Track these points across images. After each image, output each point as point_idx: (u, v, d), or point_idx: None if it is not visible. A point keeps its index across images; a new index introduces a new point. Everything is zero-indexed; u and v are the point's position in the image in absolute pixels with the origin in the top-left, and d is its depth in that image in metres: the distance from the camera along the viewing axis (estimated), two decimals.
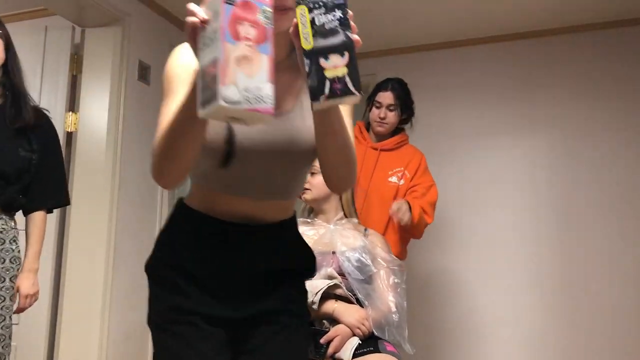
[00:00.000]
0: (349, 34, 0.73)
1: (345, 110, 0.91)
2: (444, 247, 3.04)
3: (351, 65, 0.72)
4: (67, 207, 2.33)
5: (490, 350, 2.90)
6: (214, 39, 0.66)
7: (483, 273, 2.96)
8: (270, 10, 0.68)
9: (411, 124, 2.39)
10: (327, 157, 0.92)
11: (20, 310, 1.78)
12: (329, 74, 0.72)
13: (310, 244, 1.11)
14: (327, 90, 0.72)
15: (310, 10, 0.74)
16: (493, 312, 2.91)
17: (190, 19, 0.69)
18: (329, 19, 0.73)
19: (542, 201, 2.91)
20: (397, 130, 2.34)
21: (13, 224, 1.79)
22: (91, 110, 2.51)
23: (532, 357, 2.82)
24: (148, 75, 2.70)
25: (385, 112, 2.25)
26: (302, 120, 0.93)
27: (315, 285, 1.56)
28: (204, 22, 0.68)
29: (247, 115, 0.65)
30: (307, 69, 0.73)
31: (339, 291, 1.62)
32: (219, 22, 0.65)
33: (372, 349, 1.54)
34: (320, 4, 0.74)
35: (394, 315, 1.60)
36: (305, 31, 0.74)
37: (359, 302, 1.62)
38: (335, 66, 0.72)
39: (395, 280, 1.67)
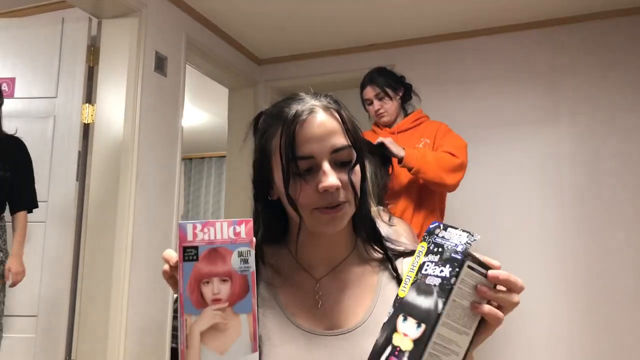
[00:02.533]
0: (441, 303, 0.55)
1: None
2: None
3: (419, 346, 0.54)
4: (84, 199, 2.48)
5: (514, 344, 2.83)
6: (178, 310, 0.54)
7: (506, 266, 2.88)
8: (250, 249, 0.54)
9: (419, 98, 2.31)
10: None
11: (13, 285, 2.26)
12: (395, 339, 0.56)
13: None
14: (384, 358, 0.57)
15: (428, 252, 0.59)
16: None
17: (164, 267, 0.56)
18: (434, 273, 0.57)
19: (567, 191, 2.83)
20: (407, 114, 2.29)
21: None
22: (108, 101, 2.50)
23: (557, 353, 2.75)
24: (165, 66, 2.68)
25: (378, 104, 2.22)
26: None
27: None
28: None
29: None
30: (387, 317, 0.59)
31: None
32: (179, 287, 0.53)
33: None
34: (440, 250, 0.58)
35: None
36: (409, 274, 0.59)
37: None
38: (405, 335, 0.56)
39: None
